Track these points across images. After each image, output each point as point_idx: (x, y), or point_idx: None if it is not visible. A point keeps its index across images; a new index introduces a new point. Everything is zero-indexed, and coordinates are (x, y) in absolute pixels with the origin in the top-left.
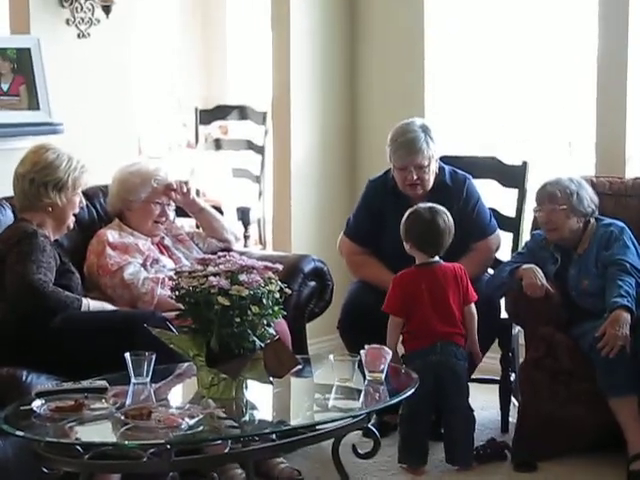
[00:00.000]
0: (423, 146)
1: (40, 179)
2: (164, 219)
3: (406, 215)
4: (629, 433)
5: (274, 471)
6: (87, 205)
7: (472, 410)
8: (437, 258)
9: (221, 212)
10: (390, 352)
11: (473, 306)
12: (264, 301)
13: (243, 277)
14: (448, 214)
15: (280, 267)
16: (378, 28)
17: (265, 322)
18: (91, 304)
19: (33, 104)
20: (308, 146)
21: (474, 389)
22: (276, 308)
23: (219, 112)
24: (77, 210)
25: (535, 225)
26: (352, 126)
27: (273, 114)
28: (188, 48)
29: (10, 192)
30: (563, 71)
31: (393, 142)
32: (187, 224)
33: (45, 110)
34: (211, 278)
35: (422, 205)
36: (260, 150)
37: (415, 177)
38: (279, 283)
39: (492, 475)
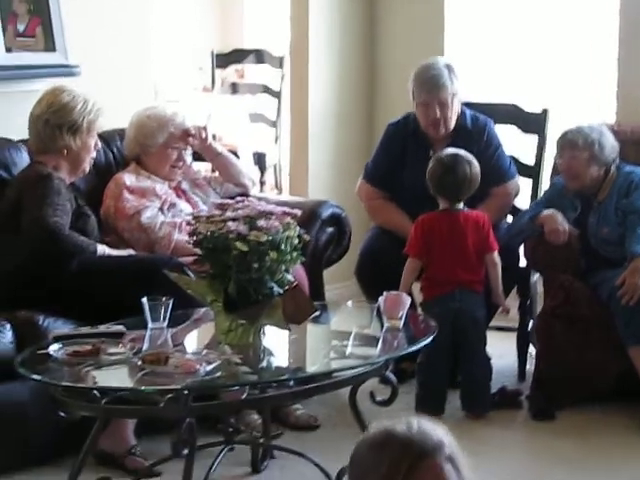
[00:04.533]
0: (447, 82)
1: (55, 121)
2: (181, 164)
3: (431, 160)
4: None
5: (291, 417)
6: (104, 149)
7: (490, 358)
8: (461, 205)
9: (237, 157)
10: (409, 299)
11: (496, 254)
12: (283, 247)
13: (261, 222)
14: (474, 163)
15: (299, 213)
16: None
17: (283, 268)
18: (107, 251)
19: (49, 45)
20: (326, 91)
21: (492, 337)
22: (295, 254)
23: (236, 56)
24: (93, 154)
25: (555, 172)
26: (370, 71)
27: (291, 58)
28: None
29: (26, 134)
30: (584, 17)
31: (417, 78)
32: (203, 168)
33: (61, 52)
34: (229, 223)
35: (448, 151)
36: (277, 95)
37: (438, 114)
38: (298, 229)
39: (510, 423)
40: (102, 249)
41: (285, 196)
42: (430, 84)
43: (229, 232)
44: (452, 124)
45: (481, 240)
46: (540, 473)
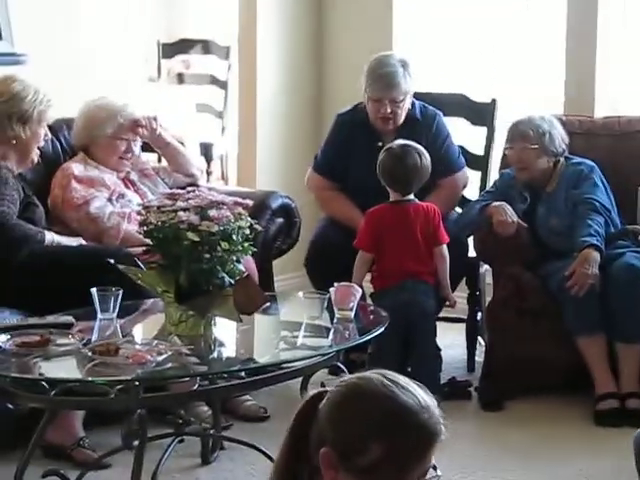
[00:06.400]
0: (401, 81)
1: (4, 110)
2: (130, 155)
3: (381, 152)
4: (596, 373)
5: (240, 408)
6: (52, 139)
7: (439, 349)
8: (411, 196)
9: (185, 147)
10: (360, 290)
11: (445, 247)
12: (234, 237)
13: (213, 212)
14: (424, 154)
15: (250, 203)
16: None
17: (234, 258)
18: (55, 238)
19: None
20: (274, 81)
21: (441, 328)
22: (245, 244)
23: (181, 46)
24: (42, 144)
25: (504, 163)
26: (319, 60)
27: (239, 48)
28: None
29: None
30: (533, 8)
31: (371, 73)
32: (152, 159)
33: (8, 40)
34: (180, 213)
35: (398, 142)
36: (223, 85)
37: (389, 111)
38: (249, 219)
39: (458, 413)
40: (51, 237)
41: (233, 187)
42: (384, 81)
43: (180, 222)
44: (401, 120)
45: (431, 232)
46: (490, 463)
